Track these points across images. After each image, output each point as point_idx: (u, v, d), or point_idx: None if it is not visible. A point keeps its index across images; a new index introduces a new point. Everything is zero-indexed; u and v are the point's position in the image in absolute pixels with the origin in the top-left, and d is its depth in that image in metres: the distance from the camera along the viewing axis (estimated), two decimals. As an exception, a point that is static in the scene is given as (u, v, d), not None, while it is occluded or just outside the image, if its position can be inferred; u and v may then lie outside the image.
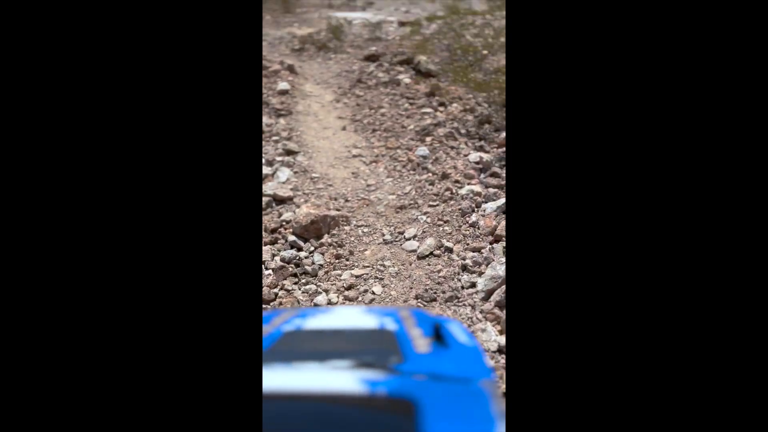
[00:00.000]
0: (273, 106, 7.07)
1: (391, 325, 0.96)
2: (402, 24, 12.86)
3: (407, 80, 8.09)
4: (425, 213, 4.11)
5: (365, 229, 4.13)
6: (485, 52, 7.62)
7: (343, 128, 6.55)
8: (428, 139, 5.62)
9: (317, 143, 6.08)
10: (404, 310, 1.12)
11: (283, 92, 7.59)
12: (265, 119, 6.70)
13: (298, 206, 4.30)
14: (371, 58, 9.59)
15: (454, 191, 4.25)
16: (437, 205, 4.18)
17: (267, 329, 0.93)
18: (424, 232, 3.83)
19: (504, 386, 2.16)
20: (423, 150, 5.29)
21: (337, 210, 4.41)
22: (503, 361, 2.45)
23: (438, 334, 0.89)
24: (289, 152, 5.64)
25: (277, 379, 0.68)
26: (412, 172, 4.98)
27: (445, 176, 4.53)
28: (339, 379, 0.69)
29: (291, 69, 8.78)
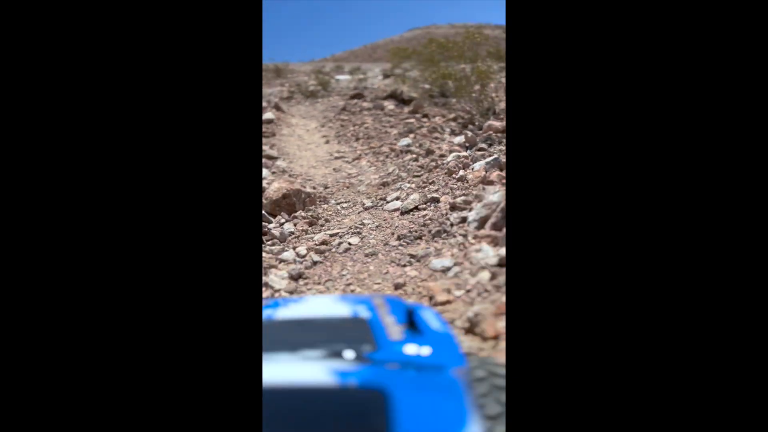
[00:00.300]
0: (256, 131, 6.98)
1: (364, 312, 0.94)
2: (386, 76, 13.47)
3: (391, 106, 8.14)
4: (409, 182, 3.72)
5: (344, 204, 3.70)
6: (468, 81, 7.70)
7: (327, 141, 6.37)
8: (411, 135, 5.41)
9: (299, 153, 5.85)
10: (378, 297, 1.08)
11: (268, 121, 7.55)
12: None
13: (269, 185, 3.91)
14: (356, 96, 9.81)
15: (439, 162, 3.90)
16: (422, 174, 3.81)
17: None
18: (408, 194, 3.41)
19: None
20: (406, 141, 5.04)
21: (317, 192, 4.02)
22: (502, 277, 1.93)
23: (411, 321, 0.88)
24: (268, 158, 5.38)
25: None
26: (395, 158, 4.67)
27: (429, 152, 4.21)
28: (310, 370, 0.66)
29: (277, 107, 8.88)
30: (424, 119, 6.60)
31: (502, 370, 0.82)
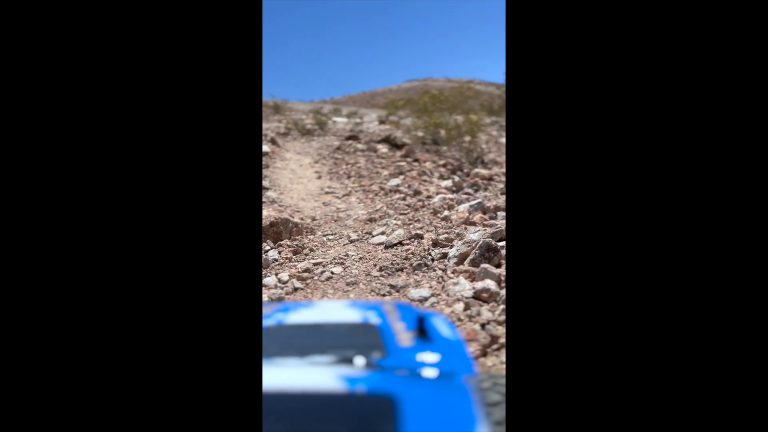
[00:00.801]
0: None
1: (374, 318, 0.93)
2: (382, 122, 13.99)
3: (384, 150, 8.42)
4: (396, 219, 3.81)
5: (331, 236, 3.76)
6: (459, 131, 8.11)
7: (319, 177, 6.51)
8: (401, 176, 5.58)
9: (290, 185, 5.96)
10: (388, 304, 1.07)
11: (263, 153, 7.73)
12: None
13: (260, 214, 3.96)
14: (352, 137, 10.15)
15: (426, 202, 4.03)
16: (408, 212, 3.91)
17: None
18: (393, 230, 3.49)
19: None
20: (395, 181, 5.20)
21: (304, 222, 4.08)
22: (476, 308, 1.98)
23: (421, 328, 0.86)
24: (259, 188, 5.48)
25: None
26: (384, 196, 4.79)
27: (417, 193, 4.35)
28: (319, 375, 0.66)
29: (273, 141, 9.13)
30: (415, 163, 6.83)
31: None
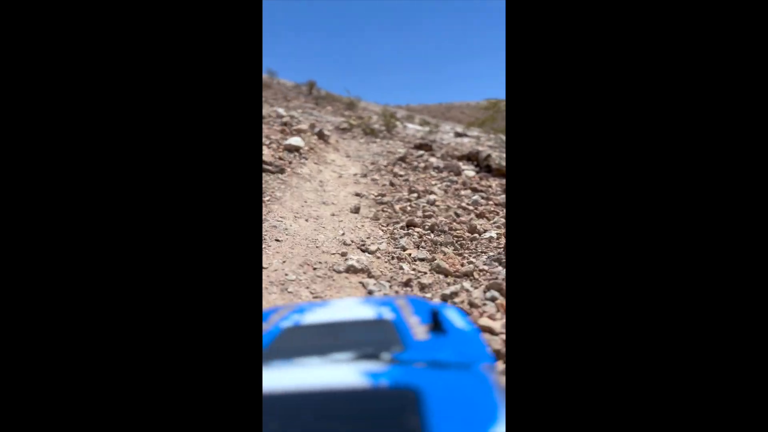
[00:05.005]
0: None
1: (388, 314, 0.86)
2: (459, 135, 10.23)
3: (470, 172, 4.76)
4: None
5: None
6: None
7: (356, 210, 3.04)
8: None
9: (291, 223, 2.55)
10: (401, 298, 0.99)
11: (291, 148, 4.38)
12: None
13: None
14: (423, 146, 6.54)
15: None
16: None
17: (265, 327, 0.86)
18: None
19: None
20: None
21: None
22: None
23: (436, 321, 0.78)
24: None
25: (278, 377, 0.62)
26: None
27: None
28: (341, 372, 0.61)
29: (321, 135, 5.76)
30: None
31: None
